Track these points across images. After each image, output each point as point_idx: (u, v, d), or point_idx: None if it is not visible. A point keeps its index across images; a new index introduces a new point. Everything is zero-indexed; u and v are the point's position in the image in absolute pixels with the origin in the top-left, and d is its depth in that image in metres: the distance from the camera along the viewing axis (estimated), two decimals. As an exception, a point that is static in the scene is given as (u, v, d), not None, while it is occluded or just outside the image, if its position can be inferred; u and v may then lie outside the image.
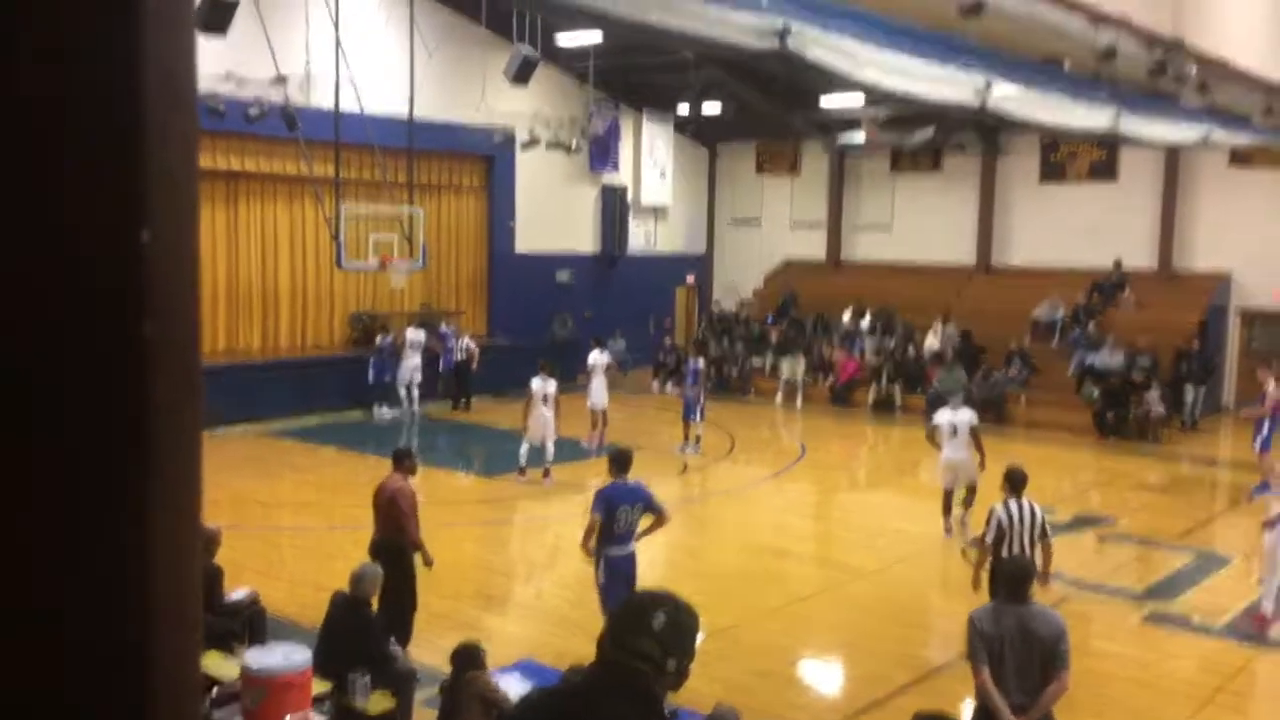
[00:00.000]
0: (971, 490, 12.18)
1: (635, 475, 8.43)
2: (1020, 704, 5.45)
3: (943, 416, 12.35)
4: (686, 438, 16.76)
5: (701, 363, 17.50)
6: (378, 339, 19.67)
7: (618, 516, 8.08)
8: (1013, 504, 8.03)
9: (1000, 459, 16.79)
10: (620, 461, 8.38)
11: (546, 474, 14.35)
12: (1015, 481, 8.19)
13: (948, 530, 12.22)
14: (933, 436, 12.40)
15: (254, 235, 19.91)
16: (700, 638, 8.33)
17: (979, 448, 11.97)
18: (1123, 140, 16.13)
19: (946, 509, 12.28)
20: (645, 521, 8.26)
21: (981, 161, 23.98)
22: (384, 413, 19.12)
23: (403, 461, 8.62)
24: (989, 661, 5.46)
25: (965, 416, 12.18)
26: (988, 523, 8.05)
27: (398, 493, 8.36)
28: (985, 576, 8.01)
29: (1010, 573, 5.86)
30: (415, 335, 19.39)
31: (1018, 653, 5.46)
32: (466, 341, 20.58)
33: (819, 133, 25.04)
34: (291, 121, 16.78)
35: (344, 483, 9.59)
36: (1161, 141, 16.90)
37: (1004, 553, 7.71)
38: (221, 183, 19.17)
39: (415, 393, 19.24)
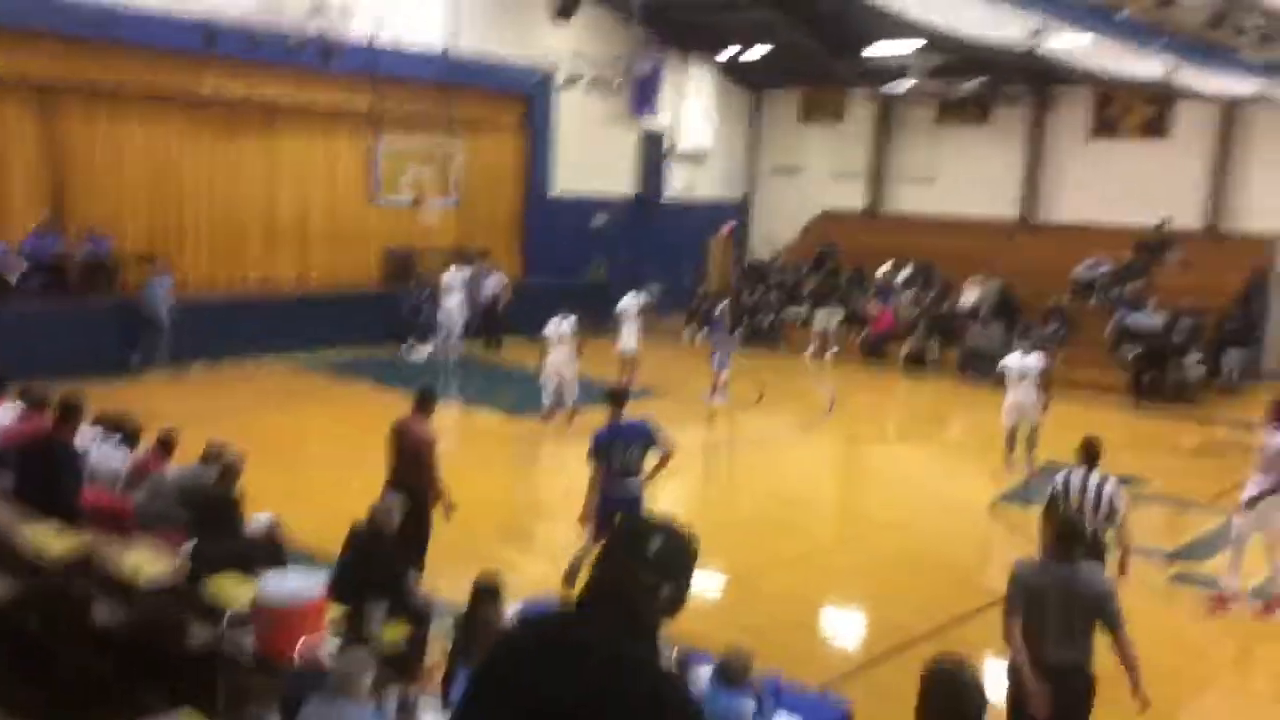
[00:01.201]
0: (1034, 430, 12.89)
1: (662, 422, 8.37)
2: (1056, 662, 5.33)
3: (1012, 360, 13.18)
4: (714, 386, 16.64)
5: (722, 309, 17.28)
6: (411, 286, 19.50)
7: (613, 455, 8.04)
8: (1075, 474, 7.53)
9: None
10: (614, 400, 8.34)
11: (571, 417, 14.31)
12: (1087, 452, 7.65)
13: (1008, 467, 12.96)
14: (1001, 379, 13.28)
15: (290, 167, 19.82)
16: (719, 581, 8.31)
17: (1045, 390, 12.81)
18: (1178, 92, 15.72)
19: (1010, 445, 13.08)
20: (652, 459, 8.20)
21: (1030, 114, 23.45)
22: (413, 351, 19.04)
23: (425, 404, 8.54)
24: (1026, 616, 5.34)
25: (1033, 361, 13.00)
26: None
27: (423, 439, 8.31)
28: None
29: (1059, 529, 5.62)
30: (453, 276, 19.23)
31: (1058, 610, 5.33)
32: (499, 278, 20.48)
33: (865, 80, 24.58)
34: (328, 53, 16.63)
35: (374, 417, 9.62)
36: (1217, 95, 16.46)
37: None
38: (259, 114, 19.09)
39: (457, 333, 19.08)
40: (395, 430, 8.50)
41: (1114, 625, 5.34)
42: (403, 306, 19.37)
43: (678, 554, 2.56)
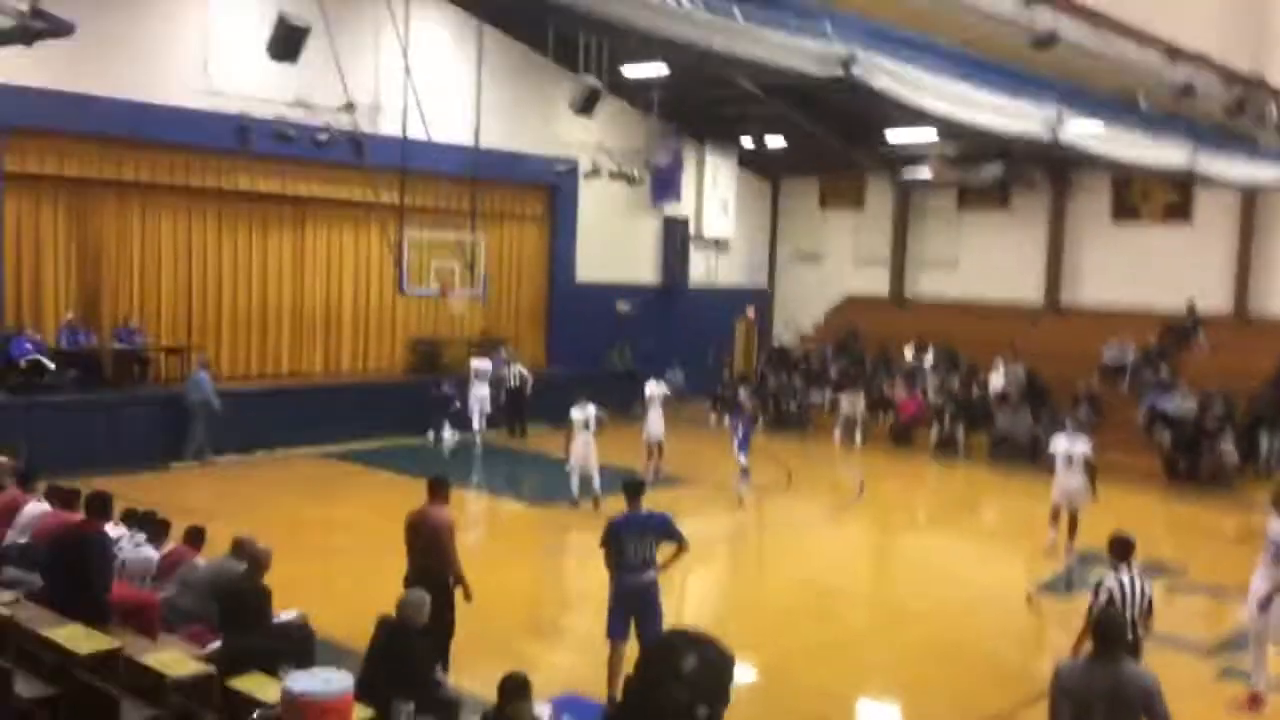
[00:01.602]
0: (1074, 517, 12.79)
1: (690, 509, 8.32)
2: None
3: (1059, 445, 13.07)
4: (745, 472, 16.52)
5: (743, 395, 17.28)
6: (443, 386, 19.68)
7: (626, 547, 8.00)
8: (1124, 574, 7.25)
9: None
10: (630, 490, 8.30)
11: (597, 504, 14.24)
12: (1121, 549, 7.37)
13: (1049, 549, 12.84)
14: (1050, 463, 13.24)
15: (320, 259, 20.15)
16: (750, 673, 8.15)
17: (1092, 479, 12.62)
18: (1199, 179, 15.80)
19: (1054, 519, 12.97)
20: (667, 551, 8.12)
21: (1051, 199, 23.59)
22: (441, 440, 19.07)
23: (440, 491, 8.50)
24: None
25: (1081, 447, 12.88)
26: (1096, 593, 7.29)
27: (440, 526, 8.26)
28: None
29: (1106, 629, 5.42)
30: (481, 364, 19.39)
31: (1105, 713, 5.15)
32: (520, 369, 20.59)
33: (884, 168, 24.86)
34: (359, 148, 16.99)
35: (400, 507, 9.58)
36: (1239, 181, 16.54)
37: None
38: (289, 207, 19.48)
39: (483, 422, 19.22)
40: (412, 519, 8.44)
41: None
42: (431, 394, 19.43)
43: (714, 673, 2.46)
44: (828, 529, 14.99)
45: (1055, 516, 13.02)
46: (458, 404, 19.37)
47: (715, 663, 2.48)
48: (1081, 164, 20.72)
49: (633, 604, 8.01)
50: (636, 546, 8.02)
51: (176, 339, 18.16)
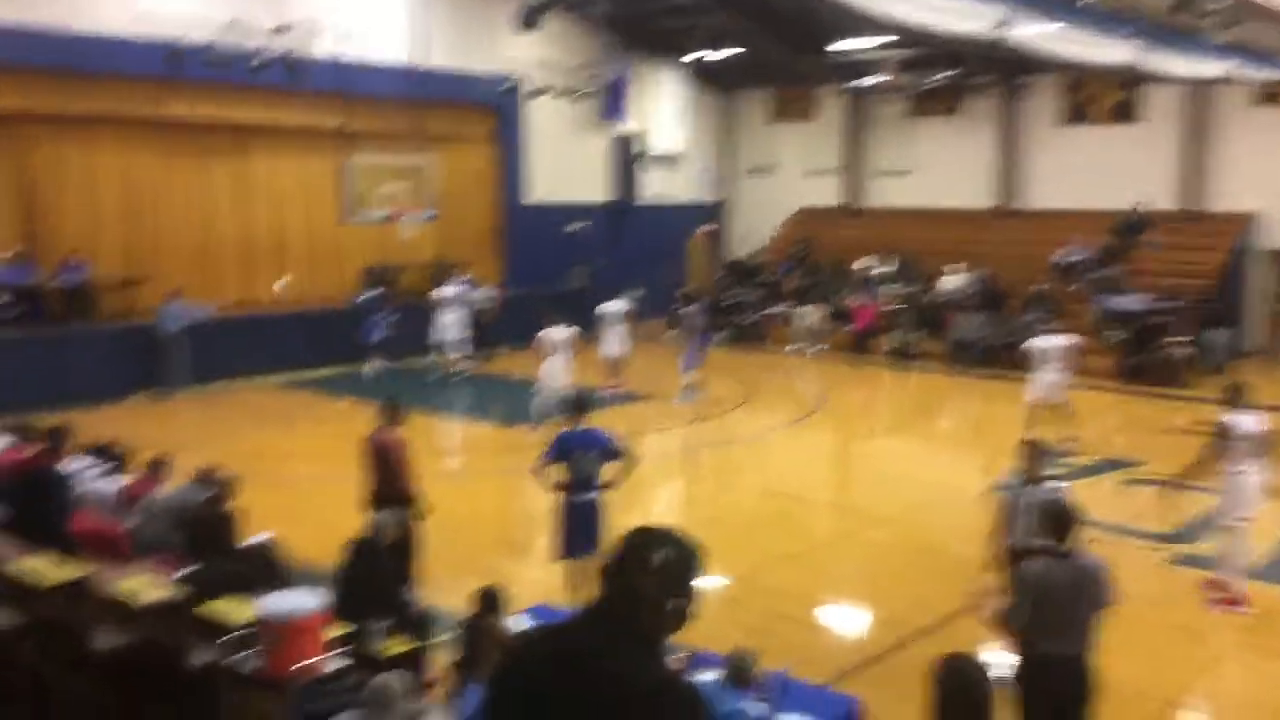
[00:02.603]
0: (1062, 408, 13.46)
1: (649, 424, 8.34)
2: (1072, 654, 5.30)
3: (1038, 342, 13.73)
4: (691, 387, 16.62)
5: (691, 310, 17.26)
6: (362, 294, 19.11)
7: (573, 463, 8.02)
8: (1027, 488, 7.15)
9: (1020, 404, 16.70)
10: (576, 406, 8.31)
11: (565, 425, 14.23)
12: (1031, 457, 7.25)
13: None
14: (1024, 361, 13.85)
15: (264, 187, 19.71)
16: (718, 582, 8.26)
17: (1071, 370, 13.55)
18: (1145, 77, 15.83)
19: (1033, 419, 13.36)
20: (613, 469, 8.15)
21: (1001, 104, 23.58)
22: (373, 369, 18.64)
23: (391, 414, 8.57)
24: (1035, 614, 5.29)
25: (1059, 342, 13.62)
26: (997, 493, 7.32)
27: (390, 445, 8.36)
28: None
29: (1060, 521, 5.48)
30: (446, 291, 18.99)
31: (1070, 605, 5.28)
32: (488, 291, 20.40)
33: (834, 77, 24.67)
34: (295, 71, 16.53)
35: (359, 433, 9.59)
36: (1184, 78, 16.58)
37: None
38: (229, 135, 18.98)
39: (454, 348, 18.76)
40: (367, 443, 8.52)
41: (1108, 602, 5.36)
42: (361, 320, 18.85)
43: (683, 566, 2.53)
44: (788, 440, 15.14)
45: (1033, 419, 13.29)
46: (375, 335, 18.79)
47: (682, 557, 2.54)
48: (1030, 67, 20.69)
49: (581, 523, 8.04)
50: (583, 463, 8.05)
51: (123, 272, 17.80)
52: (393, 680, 4.58)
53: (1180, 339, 18.33)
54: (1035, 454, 7.30)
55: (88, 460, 8.36)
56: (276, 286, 17.59)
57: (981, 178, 23.91)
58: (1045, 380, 13.50)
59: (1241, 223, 20.93)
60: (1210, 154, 21.36)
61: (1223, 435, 8.56)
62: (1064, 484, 7.36)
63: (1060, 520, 5.52)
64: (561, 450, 8.11)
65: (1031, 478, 7.23)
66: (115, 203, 17.81)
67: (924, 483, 12.73)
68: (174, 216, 18.52)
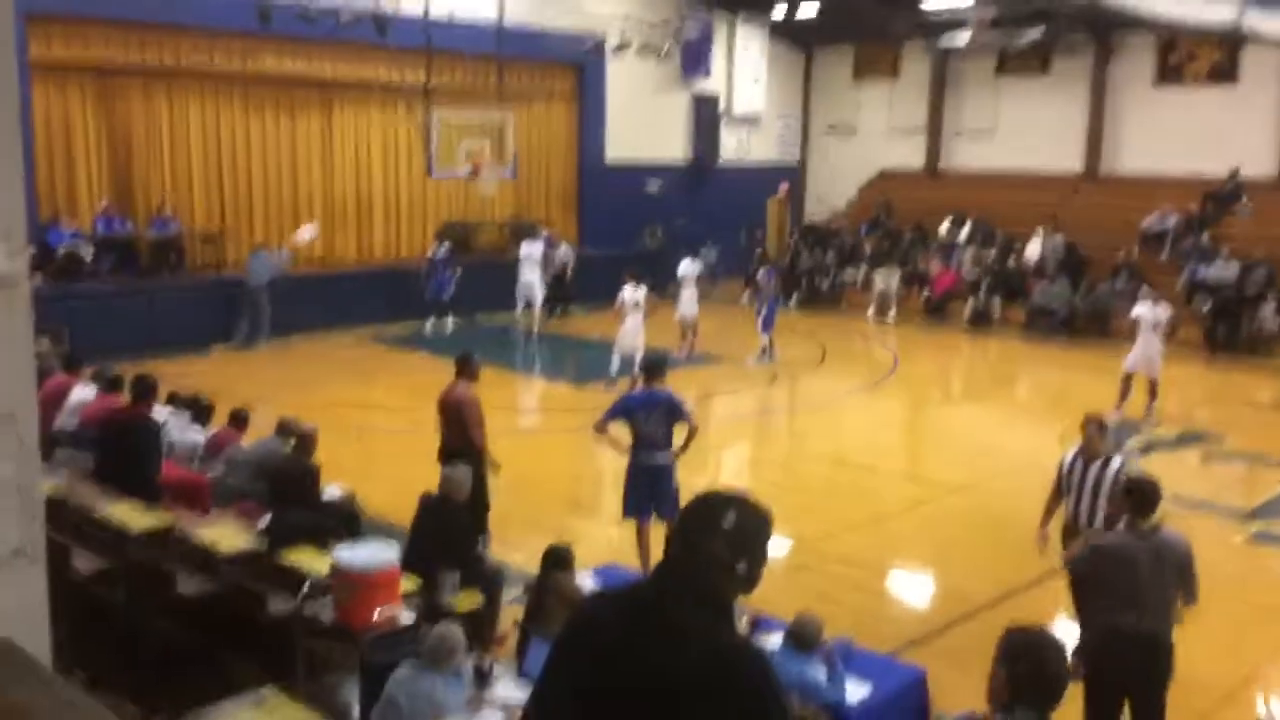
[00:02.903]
0: (1154, 383, 13.15)
1: (722, 385, 8.33)
2: (1148, 631, 5.23)
3: (1146, 310, 13.30)
4: (764, 350, 16.54)
5: (763, 273, 17.08)
6: (430, 250, 19.23)
7: (636, 423, 8.03)
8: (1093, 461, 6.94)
9: (1105, 375, 16.33)
10: (648, 369, 8.29)
11: (634, 384, 14.32)
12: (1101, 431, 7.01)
13: (1119, 413, 12.79)
14: (1132, 329, 13.53)
15: (348, 143, 20.00)
16: (786, 547, 8.26)
17: (1167, 341, 13.32)
18: (1246, 37, 15.26)
19: (1125, 395, 13.11)
20: (679, 432, 8.13)
21: (1093, 63, 22.87)
22: (435, 327, 18.76)
23: (466, 368, 8.60)
24: (1108, 587, 5.23)
25: (1164, 312, 13.30)
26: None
27: (464, 401, 8.39)
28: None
29: (1141, 496, 5.41)
30: (528, 249, 19.07)
31: (1150, 579, 5.20)
32: (567, 249, 20.50)
33: (920, 34, 24.14)
34: (382, 27, 16.70)
35: (436, 387, 9.75)
36: (1288, 39, 15.96)
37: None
38: (315, 90, 19.27)
39: (536, 307, 18.91)
40: (441, 397, 8.61)
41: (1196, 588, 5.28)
42: (426, 284, 18.92)
43: (753, 529, 2.53)
44: (862, 405, 15.03)
45: (1125, 390, 13.11)
46: (444, 294, 18.87)
47: (753, 520, 2.54)
48: (1124, 25, 20.05)
49: (645, 484, 8.04)
50: (646, 425, 8.04)
51: (210, 226, 18.23)
52: (451, 631, 4.68)
53: (1271, 309, 17.75)
54: (1097, 430, 7.02)
55: (170, 410, 8.62)
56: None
57: (1070, 140, 23.27)
58: (1147, 351, 13.13)
59: (1341, 190, 20.14)
60: (1312, 118, 20.56)
61: None
62: (1125, 460, 7.02)
63: (1142, 497, 5.42)
64: (624, 410, 8.15)
65: (1092, 454, 6.98)
66: (203, 156, 18.21)
67: (999, 452, 12.57)
68: (260, 171, 18.89)
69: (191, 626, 5.57)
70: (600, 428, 8.14)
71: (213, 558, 5.74)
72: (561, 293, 20.16)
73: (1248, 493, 11.06)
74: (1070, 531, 7.03)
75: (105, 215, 16.78)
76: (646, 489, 8.05)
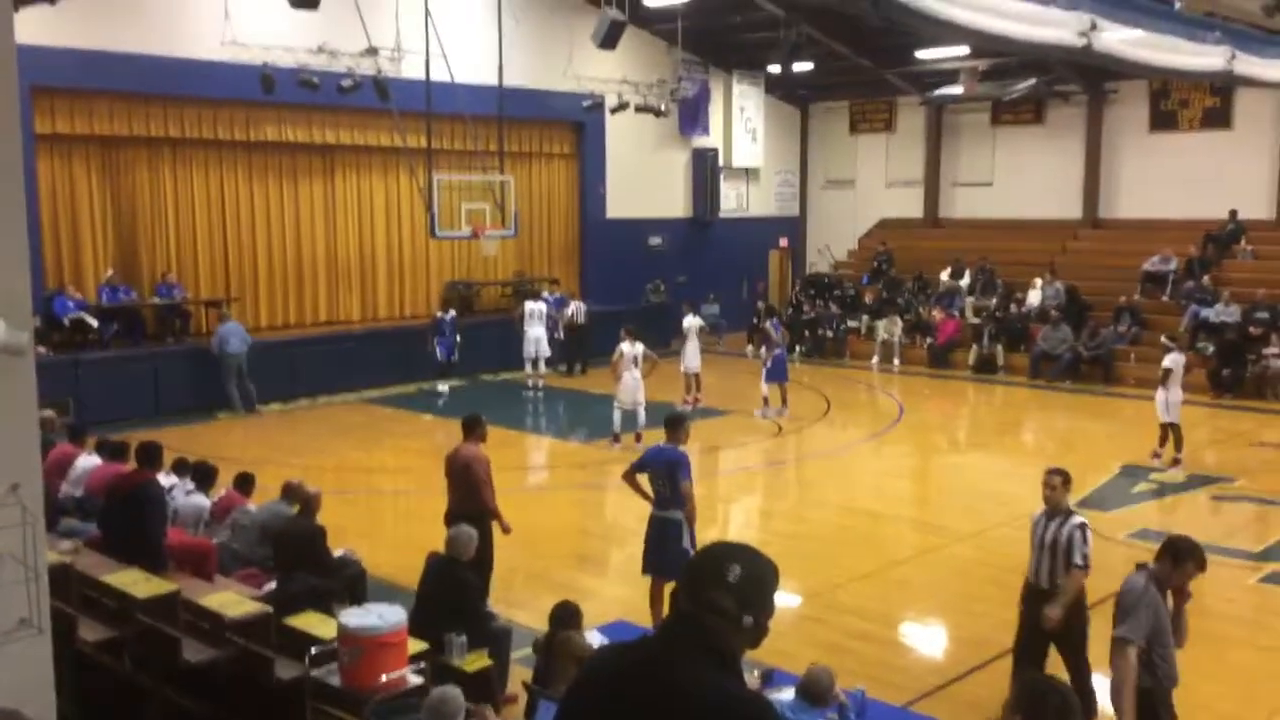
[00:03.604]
0: (1172, 428, 13.25)
1: (729, 438, 8.33)
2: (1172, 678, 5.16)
3: (1178, 360, 13.42)
4: (766, 401, 16.54)
5: (770, 325, 17.09)
6: (437, 314, 19.12)
7: (650, 478, 8.11)
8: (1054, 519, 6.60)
9: (1109, 419, 16.37)
10: (667, 424, 8.35)
11: (639, 438, 14.33)
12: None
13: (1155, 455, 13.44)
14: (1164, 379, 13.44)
15: (351, 206, 20.20)
16: (795, 598, 8.20)
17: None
18: (1237, 82, 15.38)
19: (1162, 441, 13.46)
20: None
21: (1087, 111, 23.11)
22: (442, 390, 18.54)
23: (474, 429, 8.56)
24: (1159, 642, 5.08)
25: (1180, 359, 13.47)
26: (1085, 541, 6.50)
27: (473, 460, 8.33)
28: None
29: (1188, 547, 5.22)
30: (535, 305, 19.31)
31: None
32: (580, 305, 20.66)
33: (915, 88, 24.44)
34: (384, 92, 16.93)
35: (442, 449, 9.76)
36: (1278, 82, 16.08)
37: None
38: (318, 155, 19.51)
39: (541, 365, 19.15)
40: (449, 458, 8.55)
41: None
42: (435, 347, 18.62)
43: (759, 581, 2.51)
44: (868, 454, 15.00)
45: (1163, 437, 13.43)
46: (454, 356, 18.72)
47: (760, 573, 2.52)
48: (1117, 74, 20.26)
49: (654, 538, 8.05)
50: (655, 480, 8.09)
51: (214, 292, 18.35)
52: (451, 693, 4.65)
53: (1274, 351, 17.75)
54: (1061, 482, 6.64)
55: (176, 477, 8.63)
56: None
57: (1067, 187, 23.44)
58: (1172, 398, 13.23)
59: (1340, 230, 20.22)
60: (1307, 160, 20.71)
61: None
62: (1082, 519, 6.57)
63: (1180, 553, 5.19)
64: (641, 463, 8.23)
65: (1054, 509, 6.62)
66: (208, 223, 18.38)
67: (1006, 498, 12.48)
68: (264, 236, 19.05)
69: (199, 694, 5.53)
70: (626, 477, 8.28)
71: (219, 623, 5.72)
72: (580, 350, 20.21)
73: (1258, 534, 10.98)
74: (1030, 589, 6.66)
75: (110, 284, 16.90)
76: (655, 543, 8.04)
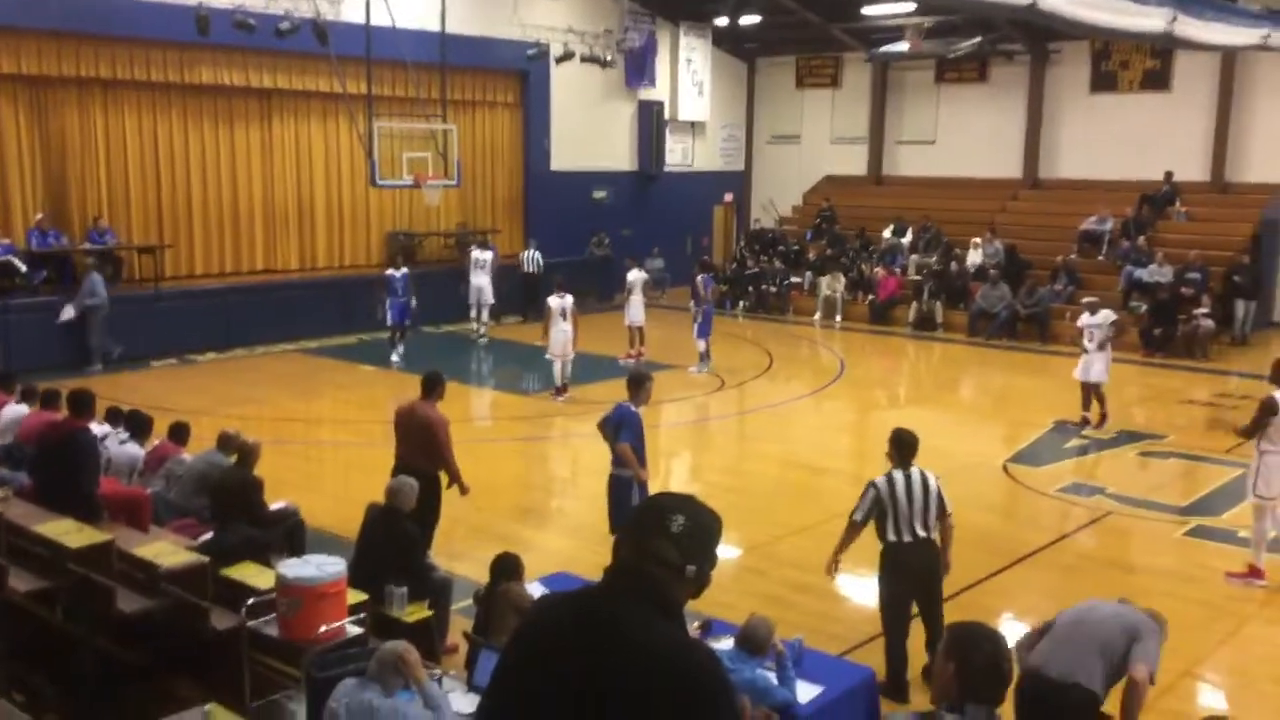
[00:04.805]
0: (1096, 389, 13.25)
1: (671, 392, 8.35)
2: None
3: (1089, 319, 13.27)
4: (701, 357, 16.56)
5: (701, 280, 16.92)
6: (388, 271, 17.15)
7: (608, 436, 8.18)
8: (898, 475, 6.83)
9: (1044, 376, 16.63)
10: (629, 384, 8.36)
11: (562, 390, 14.40)
12: (903, 447, 6.91)
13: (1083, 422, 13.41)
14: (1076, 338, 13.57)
15: (289, 153, 19.79)
16: (736, 550, 8.28)
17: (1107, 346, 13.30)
18: (1177, 44, 15.59)
19: (1085, 403, 13.41)
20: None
21: (1030, 71, 23.29)
22: (398, 357, 17.01)
23: (434, 388, 8.36)
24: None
25: (1099, 318, 13.26)
26: (862, 497, 6.86)
27: (434, 423, 8.15)
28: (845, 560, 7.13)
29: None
30: (482, 254, 18.99)
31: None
32: (536, 254, 20.54)
33: (861, 44, 24.43)
34: (323, 36, 16.54)
35: (383, 400, 9.67)
36: (1218, 44, 16.31)
37: (889, 535, 6.77)
38: (255, 99, 19.06)
39: (485, 314, 18.94)
40: (402, 413, 8.34)
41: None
42: (386, 311, 16.96)
43: (702, 532, 2.50)
44: (809, 409, 15.13)
45: (1086, 399, 13.41)
46: (392, 318, 16.98)
47: (703, 523, 2.52)
48: (1060, 34, 20.42)
49: (610, 497, 8.19)
50: (612, 439, 8.14)
51: (148, 238, 17.92)
52: (400, 647, 4.62)
53: (1205, 311, 18.16)
54: (901, 443, 6.94)
55: (109, 426, 8.46)
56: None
57: (1009, 147, 23.66)
58: (1096, 359, 13.15)
59: (1270, 194, 20.65)
60: (1242, 123, 21.08)
61: (1271, 411, 8.36)
62: (934, 474, 6.90)
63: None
64: (604, 418, 8.31)
65: (900, 465, 6.90)
66: (141, 167, 17.92)
67: (944, 454, 12.61)
68: (199, 182, 18.61)
69: (133, 645, 5.46)
70: (599, 426, 8.39)
71: (154, 574, 5.63)
72: (533, 300, 19.97)
73: (1185, 490, 11.28)
74: (887, 551, 6.92)
75: (40, 228, 16.43)
76: (614, 503, 8.13)
